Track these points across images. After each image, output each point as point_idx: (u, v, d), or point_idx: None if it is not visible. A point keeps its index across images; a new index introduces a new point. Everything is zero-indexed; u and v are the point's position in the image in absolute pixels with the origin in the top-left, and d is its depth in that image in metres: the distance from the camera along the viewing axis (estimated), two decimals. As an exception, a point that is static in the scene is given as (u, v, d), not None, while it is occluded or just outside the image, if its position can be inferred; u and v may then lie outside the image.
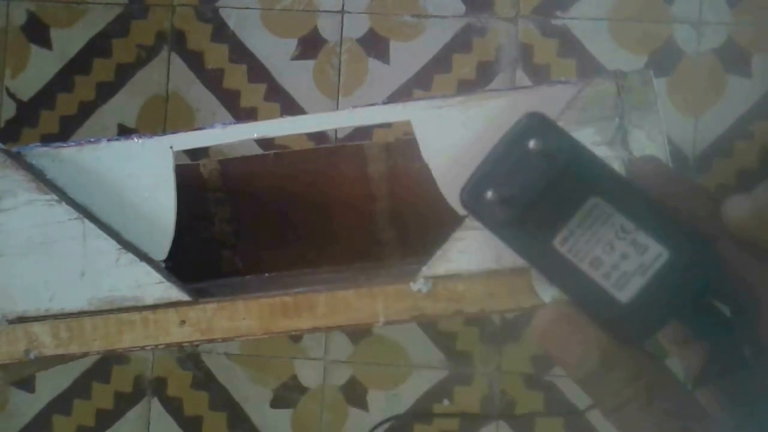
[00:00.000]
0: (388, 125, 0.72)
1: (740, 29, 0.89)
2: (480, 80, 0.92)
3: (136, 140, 0.45)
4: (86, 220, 0.44)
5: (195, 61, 0.97)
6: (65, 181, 0.45)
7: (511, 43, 0.92)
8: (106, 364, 0.96)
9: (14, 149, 0.45)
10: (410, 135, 0.45)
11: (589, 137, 0.43)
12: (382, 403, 0.92)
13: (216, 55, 0.97)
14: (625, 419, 0.23)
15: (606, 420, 0.24)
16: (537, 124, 0.30)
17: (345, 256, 0.58)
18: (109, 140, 0.45)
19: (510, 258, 0.46)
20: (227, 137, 0.45)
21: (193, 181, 0.56)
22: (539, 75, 0.91)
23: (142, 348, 0.44)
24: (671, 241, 0.25)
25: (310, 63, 0.95)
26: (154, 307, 0.44)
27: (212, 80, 0.97)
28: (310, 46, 0.95)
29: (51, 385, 0.97)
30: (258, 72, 0.96)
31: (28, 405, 0.97)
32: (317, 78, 0.95)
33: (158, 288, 0.43)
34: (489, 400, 0.90)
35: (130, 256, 0.43)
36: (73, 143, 0.45)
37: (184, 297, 0.43)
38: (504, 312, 0.58)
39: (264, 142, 0.81)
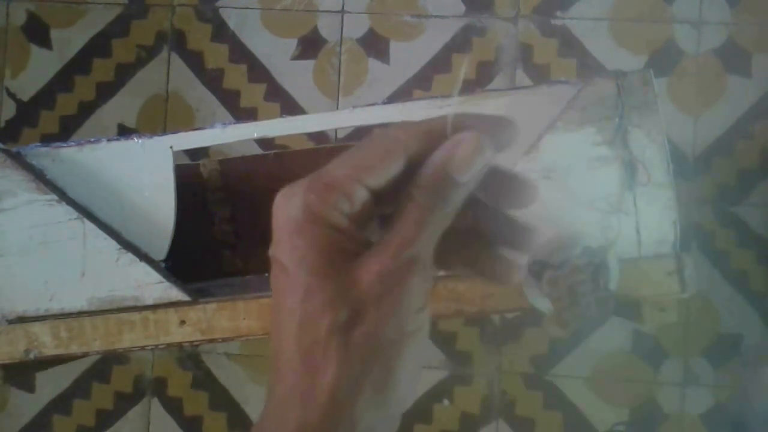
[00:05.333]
0: (388, 125, 0.72)
1: (740, 29, 0.89)
2: (480, 80, 0.92)
3: (136, 140, 0.45)
4: (86, 220, 0.44)
5: (195, 61, 0.97)
6: (65, 181, 0.45)
7: (511, 43, 0.92)
8: (106, 364, 0.96)
9: (14, 149, 0.45)
10: (410, 135, 0.45)
11: (589, 137, 0.43)
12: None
13: (216, 55, 0.97)
14: None
15: None
16: None
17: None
18: (109, 140, 0.45)
19: (510, 258, 0.46)
20: (227, 137, 0.45)
21: (193, 181, 0.56)
22: (539, 75, 0.91)
23: (142, 348, 0.44)
24: None
25: (310, 63, 0.95)
26: (154, 307, 0.44)
27: (212, 80, 0.97)
28: (310, 46, 0.95)
29: (51, 385, 0.97)
30: (258, 72, 0.96)
31: (28, 405, 0.97)
32: (317, 78, 0.95)
33: (158, 288, 0.43)
34: (489, 400, 0.90)
35: (130, 256, 0.43)
36: (73, 143, 0.45)
37: (184, 297, 0.43)
38: (504, 312, 0.58)
39: (264, 142, 0.81)
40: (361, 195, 0.25)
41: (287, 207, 0.25)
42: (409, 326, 0.25)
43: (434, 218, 0.25)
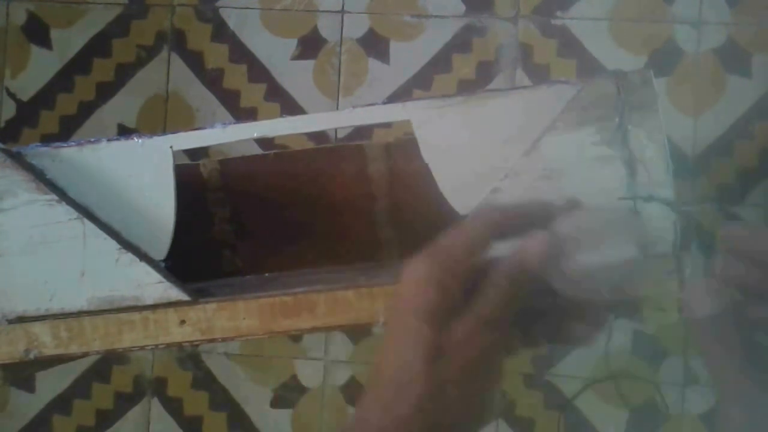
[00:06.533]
0: (388, 125, 0.72)
1: (740, 29, 0.88)
2: (480, 80, 0.92)
3: (136, 140, 0.45)
4: (86, 220, 0.44)
5: (195, 61, 0.97)
6: (65, 181, 0.44)
7: (511, 43, 0.92)
8: (106, 364, 0.96)
9: (14, 149, 0.45)
10: (410, 135, 0.45)
11: (589, 137, 0.43)
12: (382, 403, 0.92)
13: (216, 55, 0.97)
14: None
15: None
16: None
17: (345, 256, 0.58)
18: (109, 140, 0.45)
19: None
20: (227, 137, 0.45)
21: (193, 181, 0.56)
22: (539, 75, 0.91)
23: (142, 348, 0.44)
24: None
25: (310, 63, 0.95)
26: (154, 307, 0.44)
27: (212, 80, 0.97)
28: (310, 46, 0.95)
29: (51, 385, 0.97)
30: (258, 72, 0.96)
31: (28, 405, 0.97)
32: (317, 78, 0.95)
33: (158, 288, 0.43)
34: (489, 400, 0.90)
35: (130, 256, 0.43)
36: (73, 143, 0.45)
37: (184, 297, 0.43)
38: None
39: (264, 142, 0.81)
40: (465, 260, 0.34)
41: (415, 271, 0.34)
42: (481, 378, 0.33)
43: (508, 298, 0.34)
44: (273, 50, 0.96)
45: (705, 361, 0.33)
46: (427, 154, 0.44)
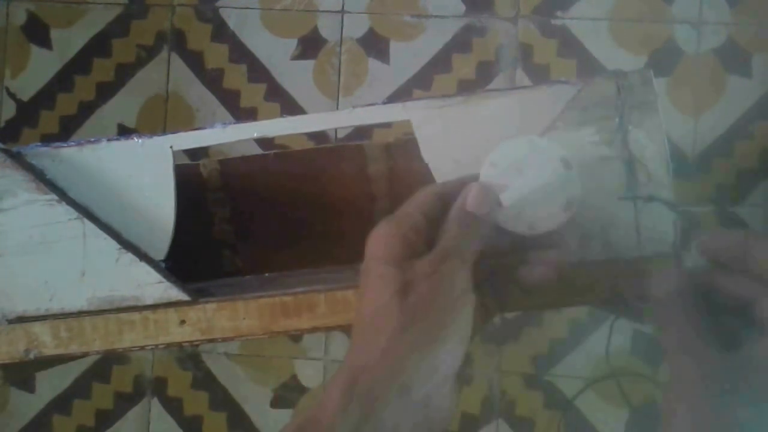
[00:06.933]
0: (388, 125, 0.72)
1: (740, 29, 0.89)
2: (480, 80, 0.92)
3: (136, 140, 0.45)
4: (86, 220, 0.44)
5: (195, 61, 0.97)
6: (65, 181, 0.44)
7: (511, 43, 0.92)
8: (106, 364, 0.96)
9: (14, 149, 0.45)
10: (410, 135, 0.45)
11: (589, 137, 0.43)
12: (382, 403, 0.91)
13: (216, 55, 0.97)
14: None
15: None
16: None
17: (345, 256, 0.58)
18: (109, 140, 0.45)
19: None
20: (227, 137, 0.45)
21: (193, 181, 0.55)
22: (539, 75, 0.91)
23: (142, 348, 0.44)
24: None
25: (310, 63, 0.95)
26: (154, 307, 0.44)
27: (212, 80, 0.97)
28: (310, 46, 0.95)
29: (51, 385, 0.97)
30: (258, 72, 0.96)
31: (28, 405, 0.98)
32: (317, 78, 0.95)
33: (158, 288, 0.43)
34: (489, 400, 0.90)
35: (130, 256, 0.43)
36: (73, 143, 0.45)
37: (184, 297, 0.43)
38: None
39: (264, 142, 0.81)
40: (421, 220, 0.38)
41: (378, 231, 0.38)
42: (449, 301, 0.36)
43: (460, 237, 0.38)
44: (273, 50, 0.96)
45: (662, 335, 0.37)
46: (427, 154, 0.44)
